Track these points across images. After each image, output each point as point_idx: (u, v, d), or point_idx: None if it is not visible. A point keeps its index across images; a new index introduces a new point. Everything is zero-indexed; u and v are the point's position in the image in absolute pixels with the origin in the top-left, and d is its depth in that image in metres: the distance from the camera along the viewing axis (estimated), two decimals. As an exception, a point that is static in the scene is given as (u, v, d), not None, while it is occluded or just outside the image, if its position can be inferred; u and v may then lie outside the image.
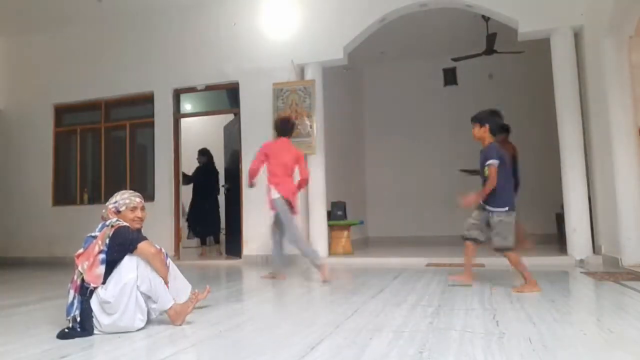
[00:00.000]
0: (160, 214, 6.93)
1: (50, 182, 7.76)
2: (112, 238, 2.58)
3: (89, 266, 2.54)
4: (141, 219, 2.81)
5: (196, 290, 2.80)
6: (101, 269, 2.55)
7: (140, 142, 7.68)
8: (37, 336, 2.54)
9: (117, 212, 2.75)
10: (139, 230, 2.78)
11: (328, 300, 3.69)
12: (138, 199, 2.83)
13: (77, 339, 2.42)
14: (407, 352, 2.01)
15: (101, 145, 7.73)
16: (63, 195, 7.81)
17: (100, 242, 2.58)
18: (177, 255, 6.96)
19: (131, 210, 2.77)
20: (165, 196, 7.07)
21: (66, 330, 2.50)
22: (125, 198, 2.79)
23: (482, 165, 3.61)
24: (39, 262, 7.12)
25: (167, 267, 2.78)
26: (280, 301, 3.53)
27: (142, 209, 2.83)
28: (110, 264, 2.58)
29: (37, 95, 7.91)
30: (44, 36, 7.95)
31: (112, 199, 2.81)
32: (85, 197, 7.67)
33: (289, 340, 2.33)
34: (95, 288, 2.53)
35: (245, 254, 6.59)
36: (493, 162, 3.51)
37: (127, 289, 2.51)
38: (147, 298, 2.62)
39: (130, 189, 3.01)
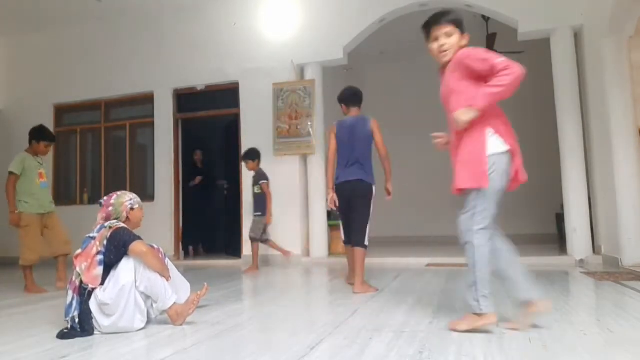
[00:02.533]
0: (160, 214, 6.94)
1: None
2: (110, 240, 2.59)
3: (87, 267, 2.55)
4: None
5: (198, 292, 2.80)
6: (99, 270, 2.55)
7: (140, 142, 7.67)
8: (37, 336, 2.54)
9: (132, 209, 2.81)
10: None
11: (328, 300, 3.69)
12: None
13: (77, 339, 2.42)
14: (407, 352, 2.01)
15: (101, 145, 7.73)
16: (63, 195, 7.81)
17: (98, 243, 2.59)
18: (177, 256, 6.96)
19: (140, 210, 2.87)
20: (165, 196, 7.07)
21: (66, 330, 2.50)
22: (135, 197, 2.88)
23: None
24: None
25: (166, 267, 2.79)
26: (280, 301, 3.53)
27: None
28: (109, 266, 2.58)
29: (37, 95, 7.91)
30: (44, 36, 7.95)
31: (124, 197, 2.82)
32: (85, 197, 7.67)
33: (289, 340, 2.33)
34: (93, 289, 2.53)
35: (246, 254, 6.59)
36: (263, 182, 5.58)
37: (125, 291, 2.51)
38: (147, 298, 2.62)
39: (130, 189, 3.04)
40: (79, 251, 2.63)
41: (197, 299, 2.76)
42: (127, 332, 2.53)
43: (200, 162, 7.85)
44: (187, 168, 7.51)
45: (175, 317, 2.65)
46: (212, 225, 7.91)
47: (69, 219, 7.27)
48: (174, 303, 2.66)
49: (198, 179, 7.56)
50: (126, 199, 2.81)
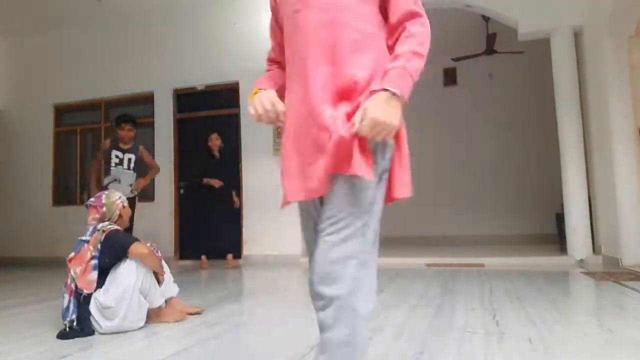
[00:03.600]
0: (160, 214, 6.93)
1: (50, 182, 7.76)
2: (104, 243, 2.58)
3: (82, 272, 2.53)
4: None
5: (191, 308, 2.85)
6: (94, 274, 2.54)
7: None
8: (37, 336, 2.54)
9: (123, 207, 2.85)
10: (128, 230, 2.86)
11: (328, 300, 3.69)
12: None
13: (77, 339, 2.42)
14: (407, 352, 2.01)
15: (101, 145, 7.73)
16: (63, 195, 7.81)
17: (92, 247, 2.58)
18: (177, 255, 6.96)
19: (127, 207, 2.91)
20: (165, 196, 7.07)
21: (66, 330, 2.50)
22: (121, 194, 2.91)
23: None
24: (39, 262, 7.11)
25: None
26: (280, 301, 3.53)
27: None
28: (104, 269, 2.58)
29: (37, 95, 7.91)
30: (44, 36, 7.95)
31: (115, 196, 2.84)
32: (85, 197, 7.67)
33: (289, 340, 2.33)
34: (88, 294, 2.52)
35: (245, 254, 6.59)
36: None
37: (128, 293, 2.52)
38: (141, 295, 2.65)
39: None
40: (72, 255, 2.61)
41: (187, 312, 2.85)
42: (128, 330, 2.53)
43: (218, 150, 6.01)
44: (201, 159, 5.97)
45: (154, 317, 2.69)
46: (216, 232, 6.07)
47: (68, 219, 7.31)
48: (160, 306, 2.71)
49: (218, 183, 5.86)
50: (116, 197, 2.83)
